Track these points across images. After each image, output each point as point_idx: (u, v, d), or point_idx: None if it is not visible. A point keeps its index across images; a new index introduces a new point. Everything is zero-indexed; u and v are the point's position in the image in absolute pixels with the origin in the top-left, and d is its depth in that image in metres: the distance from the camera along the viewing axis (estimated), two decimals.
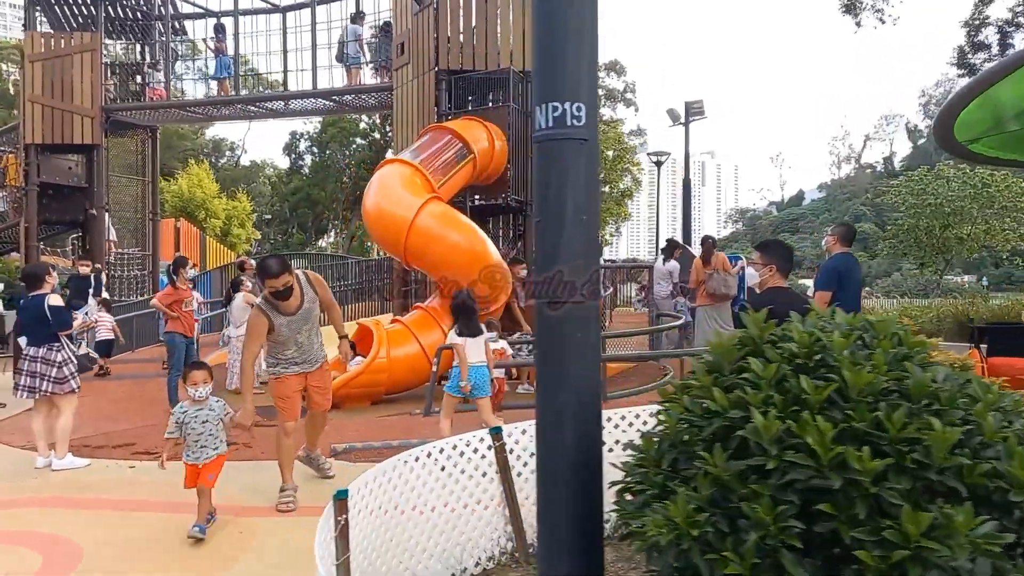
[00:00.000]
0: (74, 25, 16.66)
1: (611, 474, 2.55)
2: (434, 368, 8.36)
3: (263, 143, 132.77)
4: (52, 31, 16.16)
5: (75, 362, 6.10)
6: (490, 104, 11.75)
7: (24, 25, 16.40)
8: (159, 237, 17.39)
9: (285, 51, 15.01)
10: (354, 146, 49.00)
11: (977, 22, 15.99)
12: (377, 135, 46.63)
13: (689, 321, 10.45)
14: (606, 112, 40.72)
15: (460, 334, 6.09)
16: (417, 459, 3.44)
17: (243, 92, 15.79)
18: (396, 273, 12.86)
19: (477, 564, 3.69)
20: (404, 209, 8.81)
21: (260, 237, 44.51)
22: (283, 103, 15.25)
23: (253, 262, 11.69)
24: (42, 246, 17.95)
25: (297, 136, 52.37)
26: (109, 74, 15.62)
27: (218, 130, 54.80)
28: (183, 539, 4.41)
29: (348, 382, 8.68)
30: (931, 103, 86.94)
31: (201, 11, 16.01)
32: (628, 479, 2.29)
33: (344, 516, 2.75)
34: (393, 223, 8.81)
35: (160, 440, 7.01)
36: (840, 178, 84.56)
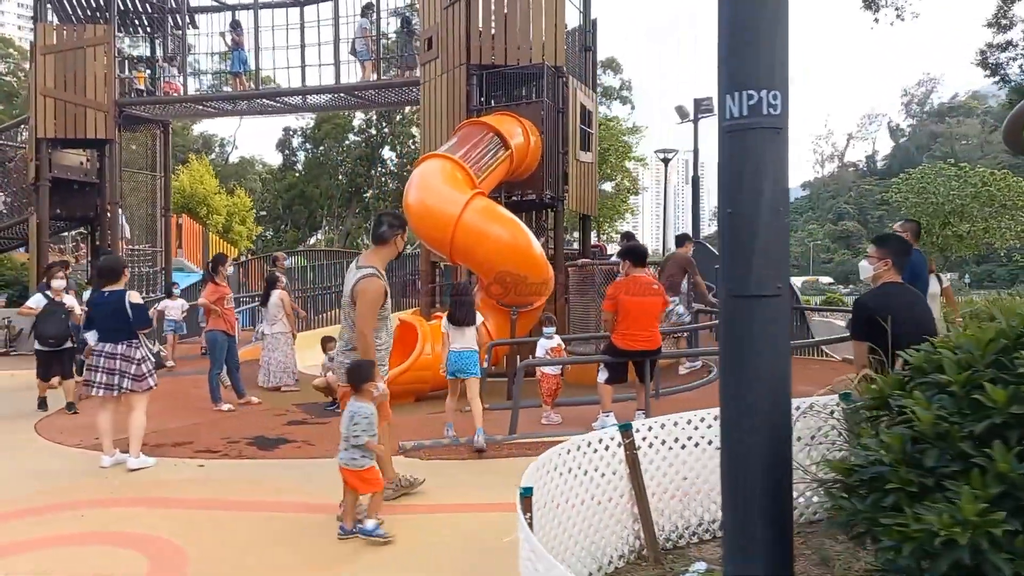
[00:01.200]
0: (82, 17, 16.42)
1: None
2: (484, 364, 8.28)
3: (253, 139, 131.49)
4: (61, 23, 15.89)
5: (152, 360, 5.99)
6: (522, 100, 11.67)
7: (34, 17, 16.10)
8: (171, 233, 17.16)
9: (303, 45, 14.84)
10: (348, 142, 48.75)
11: (1005, 22, 16.08)
12: (373, 131, 46.41)
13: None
14: (602, 110, 40.72)
15: (450, 321, 6.65)
16: (575, 449, 3.41)
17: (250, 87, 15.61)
18: (423, 268, 12.75)
19: (610, 563, 3.64)
20: (450, 205, 8.72)
21: (261, 233, 44.04)
22: (301, 98, 15.08)
23: (287, 257, 11.59)
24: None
25: (290, 132, 52.09)
26: (128, 68, 15.38)
27: (207, 126, 54.31)
28: (285, 539, 4.32)
29: (394, 379, 8.55)
30: (912, 102, 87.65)
31: (217, 4, 15.77)
32: (854, 477, 2.24)
33: (529, 514, 2.70)
34: (439, 219, 8.71)
35: (215, 436, 6.96)
36: (824, 176, 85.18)
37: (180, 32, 15.89)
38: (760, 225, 2.52)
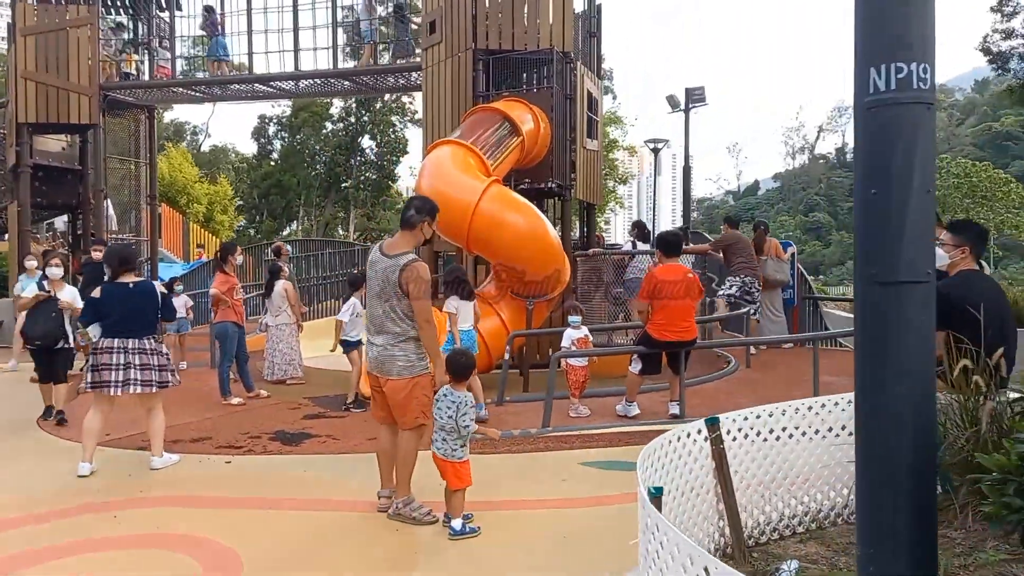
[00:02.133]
0: None
1: None
2: (506, 356, 8.12)
3: (227, 127, 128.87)
4: (42, 2, 15.29)
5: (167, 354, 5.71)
6: (528, 86, 11.46)
7: None
8: (157, 223, 16.68)
9: (296, 28, 14.42)
10: (326, 131, 48.01)
11: (1008, 9, 16.16)
12: (352, 119, 45.71)
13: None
14: None
15: (463, 297, 7.15)
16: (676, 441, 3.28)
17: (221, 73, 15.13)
18: (425, 259, 12.51)
19: None
20: (467, 193, 8.49)
21: (244, 222, 43.22)
22: (294, 83, 14.70)
23: (288, 248, 11.28)
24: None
25: (267, 120, 51.12)
26: (117, 50, 14.83)
27: (179, 113, 53.09)
28: (339, 539, 4.13)
29: None
30: None
31: None
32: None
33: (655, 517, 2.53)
34: (456, 208, 8.47)
35: (233, 431, 6.70)
36: (795, 168, 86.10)
37: (168, 14, 15.35)
38: (910, 206, 2.38)
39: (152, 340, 5.52)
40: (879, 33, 2.41)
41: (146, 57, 15.59)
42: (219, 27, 15.21)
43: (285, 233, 50.87)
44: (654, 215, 27.34)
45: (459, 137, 9.54)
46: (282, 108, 48.56)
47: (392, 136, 46.21)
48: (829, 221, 74.15)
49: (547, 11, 11.12)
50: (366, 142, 46.84)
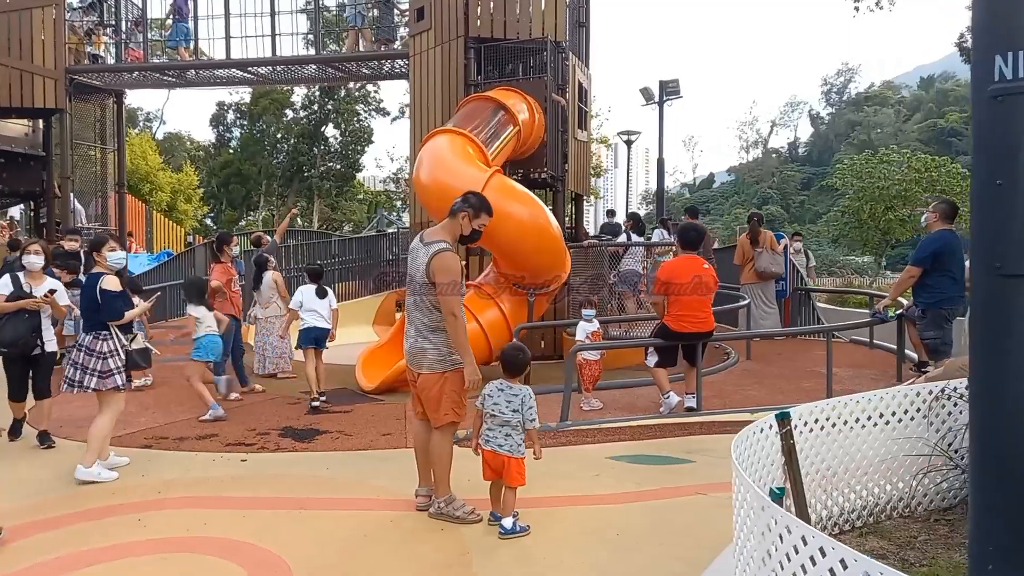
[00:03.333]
0: None
1: None
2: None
3: (182, 114, 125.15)
4: None
5: (122, 356, 5.25)
6: (518, 75, 11.31)
7: None
8: (126, 213, 16.09)
9: (274, 12, 14.01)
10: (287, 118, 47.02)
11: None
12: (316, 107, 44.86)
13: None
14: None
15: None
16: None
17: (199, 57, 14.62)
18: None
19: None
20: (469, 183, 8.25)
21: (208, 211, 42.04)
22: (271, 68, 14.27)
23: (269, 238, 10.95)
24: None
25: (225, 107, 49.85)
26: (87, 31, 14.21)
27: (131, 99, 51.23)
28: (383, 539, 3.97)
29: None
30: (832, 91, 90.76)
31: None
32: None
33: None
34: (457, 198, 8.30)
35: (239, 428, 6.45)
36: (749, 162, 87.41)
37: None
38: None
39: (97, 336, 5.16)
40: (1005, 20, 2.35)
41: (131, 39, 14.98)
42: (184, 12, 14.67)
43: (242, 224, 49.83)
44: (627, 207, 27.39)
45: (456, 126, 9.36)
46: (240, 95, 47.47)
47: (357, 125, 45.53)
48: (782, 214, 75.54)
49: (539, 0, 11.00)
50: (330, 131, 46.10)
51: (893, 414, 3.90)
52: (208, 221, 46.53)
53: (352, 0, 13.30)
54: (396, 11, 14.25)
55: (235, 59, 13.38)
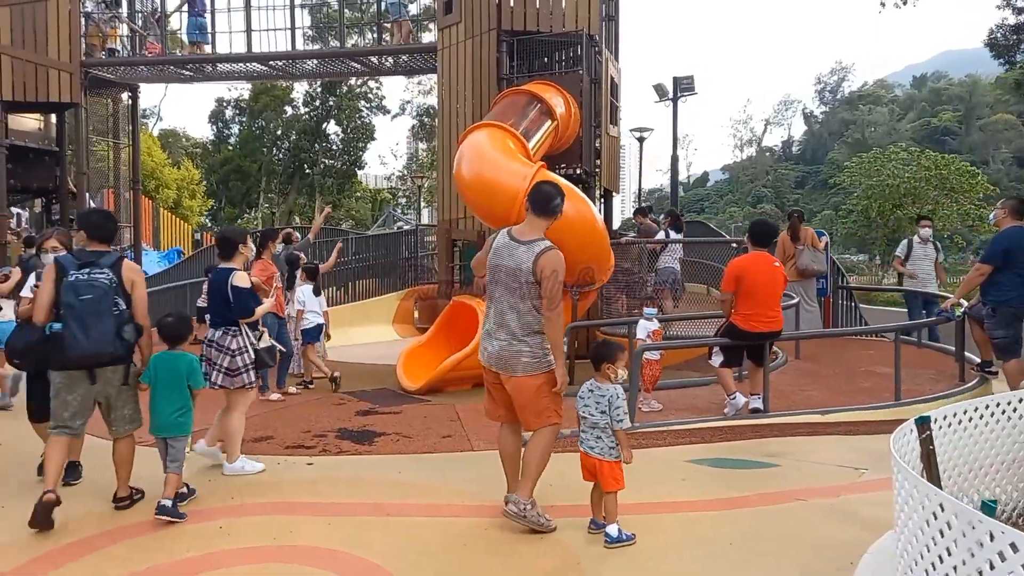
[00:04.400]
0: None
1: None
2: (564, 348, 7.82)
3: (178, 110, 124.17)
4: None
5: (251, 353, 5.18)
6: (550, 69, 11.16)
7: None
8: (140, 209, 15.83)
9: (293, 6, 13.78)
10: (287, 115, 46.64)
11: (1021, 4, 16.43)
12: (318, 103, 44.48)
13: None
14: None
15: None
16: None
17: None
18: (440, 247, 12.14)
19: None
20: (515, 178, 8.13)
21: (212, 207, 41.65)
22: (288, 62, 14.02)
23: (298, 235, 10.75)
24: None
25: (224, 104, 49.42)
26: (102, 23, 13.94)
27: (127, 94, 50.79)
28: (488, 548, 3.81)
29: (457, 364, 8.05)
30: (826, 90, 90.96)
31: None
32: None
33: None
34: (503, 194, 8.11)
35: (293, 430, 6.27)
36: (743, 160, 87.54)
37: None
38: None
39: (227, 332, 5.09)
40: None
41: (151, 31, 14.70)
42: (199, 7, 14.40)
43: (239, 221, 49.46)
44: (639, 202, 27.26)
45: (495, 120, 9.18)
46: (240, 91, 47.10)
47: (359, 122, 45.21)
48: (776, 212, 75.71)
49: None
50: (331, 128, 45.77)
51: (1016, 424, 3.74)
52: (206, 219, 46.17)
53: None
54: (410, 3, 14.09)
55: (256, 53, 13.15)
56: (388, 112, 46.35)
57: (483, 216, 8.89)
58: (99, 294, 4.06)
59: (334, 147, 45.92)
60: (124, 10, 14.77)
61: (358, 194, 49.00)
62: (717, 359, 6.43)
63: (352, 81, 41.71)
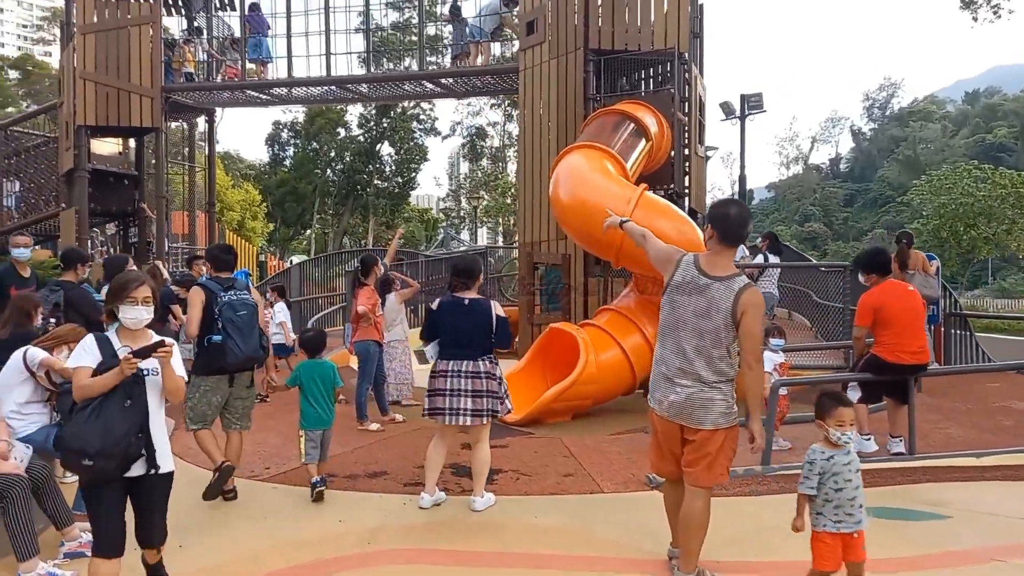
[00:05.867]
0: None
1: None
2: None
3: (232, 133, 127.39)
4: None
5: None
6: (639, 88, 10.87)
7: None
8: (216, 231, 15.96)
9: (368, 30, 13.79)
10: (341, 137, 47.22)
11: None
12: (372, 125, 44.90)
13: None
14: None
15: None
16: None
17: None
18: (522, 271, 11.87)
19: None
20: (618, 201, 7.83)
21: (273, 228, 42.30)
22: (369, 86, 13.98)
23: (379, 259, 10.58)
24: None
25: (280, 127, 50.28)
26: (176, 49, 14.13)
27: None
28: None
29: (559, 395, 7.72)
30: (874, 106, 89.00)
31: None
32: None
33: None
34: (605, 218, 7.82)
35: (405, 464, 6.01)
36: (788, 178, 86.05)
37: (232, 11, 14.67)
38: None
39: (486, 363, 4.98)
40: None
41: (228, 56, 14.87)
42: (263, 28, 14.46)
43: (294, 242, 50.09)
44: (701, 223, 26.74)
45: (590, 141, 8.92)
46: (295, 114, 47.87)
47: (412, 143, 45.56)
48: (824, 231, 73.95)
49: (661, 10, 10.58)
50: (385, 149, 46.17)
51: None
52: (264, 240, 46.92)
53: (485, 12, 12.82)
54: (466, 27, 13.96)
55: (335, 76, 13.13)
56: (439, 133, 46.72)
57: (583, 240, 8.61)
58: (251, 311, 5.05)
59: (387, 168, 46.29)
60: (204, 36, 14.92)
61: (406, 214, 49.29)
62: (854, 395, 5.99)
63: (407, 103, 42.01)
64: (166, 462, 3.22)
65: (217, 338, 4.80)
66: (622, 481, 5.52)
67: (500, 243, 38.65)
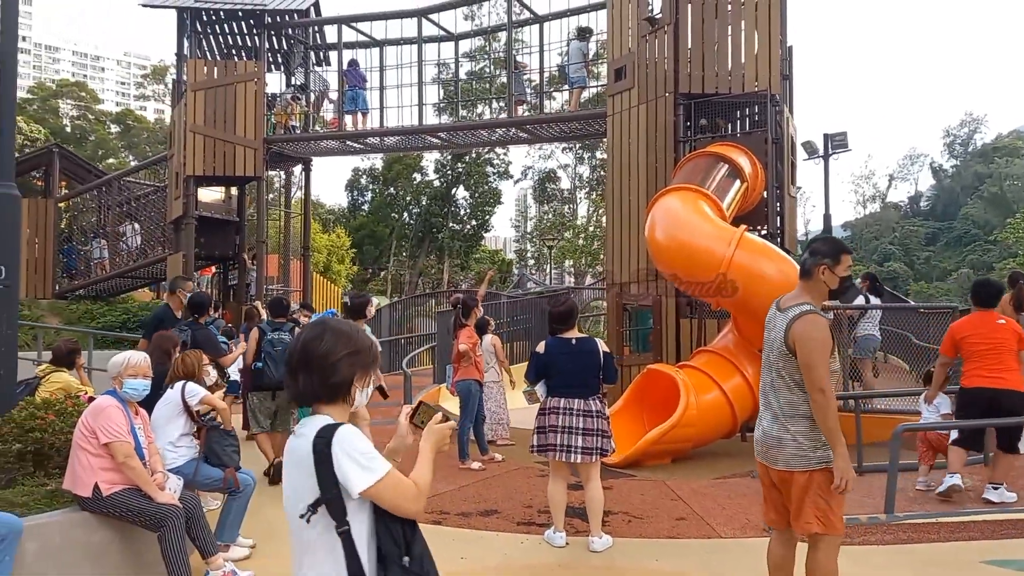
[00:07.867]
0: (224, 52, 16.26)
1: None
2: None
3: (313, 180, 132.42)
4: (210, 59, 15.68)
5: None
6: (731, 131, 10.91)
7: (176, 53, 15.96)
8: (310, 275, 16.61)
9: (457, 80, 14.30)
10: (417, 181, 48.60)
11: None
12: (448, 170, 46.07)
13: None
14: None
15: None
16: None
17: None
18: (611, 312, 11.91)
19: None
20: (718, 243, 7.86)
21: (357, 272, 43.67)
22: (467, 133, 14.44)
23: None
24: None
25: (359, 173, 52.17)
26: (279, 103, 15.00)
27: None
28: None
29: (660, 438, 7.67)
30: (955, 143, 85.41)
31: (369, 40, 15.34)
32: None
33: None
34: (706, 259, 7.85)
35: (514, 504, 6.06)
36: (865, 217, 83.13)
37: (330, 67, 15.50)
38: None
39: (597, 402, 5.07)
40: None
41: (332, 109, 15.69)
42: (359, 80, 15.18)
43: (371, 284, 51.38)
44: None
45: (686, 183, 8.98)
46: (372, 162, 49.65)
47: (486, 187, 46.50)
48: (905, 271, 70.89)
49: (752, 52, 10.65)
50: (460, 192, 47.25)
51: None
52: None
53: (579, 59, 13.15)
54: (525, 77, 14.34)
55: (426, 125, 13.66)
56: (511, 177, 47.56)
57: (683, 282, 8.60)
58: (285, 347, 6.39)
59: (462, 211, 47.26)
60: (306, 91, 15.76)
61: (476, 256, 50.01)
62: (953, 436, 5.82)
63: (480, 149, 43.02)
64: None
65: (259, 364, 6.68)
66: (739, 526, 5.44)
67: (570, 283, 38.77)
